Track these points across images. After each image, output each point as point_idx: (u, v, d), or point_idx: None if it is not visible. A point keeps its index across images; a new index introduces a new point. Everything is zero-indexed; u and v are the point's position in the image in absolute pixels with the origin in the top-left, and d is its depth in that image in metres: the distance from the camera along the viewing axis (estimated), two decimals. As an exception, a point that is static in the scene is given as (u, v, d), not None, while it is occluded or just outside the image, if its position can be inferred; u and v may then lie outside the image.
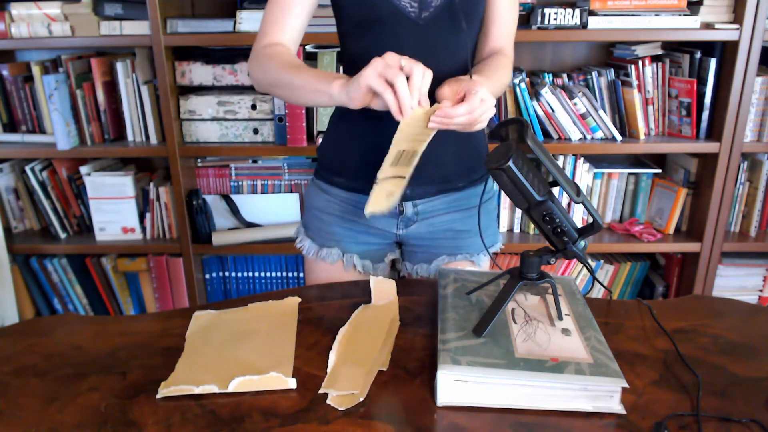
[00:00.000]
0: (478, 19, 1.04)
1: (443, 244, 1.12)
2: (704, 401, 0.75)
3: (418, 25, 0.97)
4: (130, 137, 1.88)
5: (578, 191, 0.80)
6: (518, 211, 1.99)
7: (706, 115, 1.82)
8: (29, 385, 0.78)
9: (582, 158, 1.90)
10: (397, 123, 0.87)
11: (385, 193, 0.93)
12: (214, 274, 2.06)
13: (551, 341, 0.79)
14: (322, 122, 1.84)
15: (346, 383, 0.76)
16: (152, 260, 1.96)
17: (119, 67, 1.81)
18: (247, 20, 1.71)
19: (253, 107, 1.83)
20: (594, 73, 1.83)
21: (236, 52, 1.83)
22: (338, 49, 1.76)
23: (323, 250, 1.13)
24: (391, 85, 0.80)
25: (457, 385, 0.73)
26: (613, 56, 1.94)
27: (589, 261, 1.86)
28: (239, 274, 2.06)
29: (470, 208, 1.12)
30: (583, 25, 1.70)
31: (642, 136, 1.84)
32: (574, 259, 1.01)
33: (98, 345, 0.87)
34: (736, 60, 1.70)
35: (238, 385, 0.75)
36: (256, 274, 2.06)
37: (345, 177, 1.10)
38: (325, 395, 0.75)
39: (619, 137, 1.83)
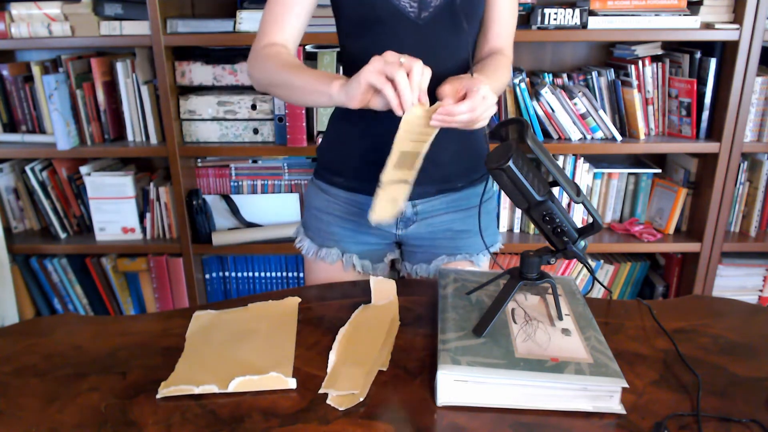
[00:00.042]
0: (478, 20, 1.04)
1: (443, 244, 1.12)
2: (704, 401, 0.75)
3: (417, 25, 0.97)
4: (130, 137, 1.88)
5: (578, 191, 0.80)
6: (518, 211, 1.99)
7: (706, 115, 1.82)
8: (29, 385, 0.78)
9: (582, 158, 1.90)
10: (397, 122, 0.87)
11: (389, 199, 0.92)
12: (214, 274, 2.06)
13: (551, 341, 0.79)
14: (322, 122, 1.84)
15: (346, 383, 0.76)
16: (152, 260, 1.96)
17: (119, 67, 1.81)
18: (247, 20, 1.71)
19: (253, 107, 1.83)
20: (594, 73, 1.84)
21: (236, 52, 1.83)
22: (338, 49, 1.76)
23: (323, 250, 1.13)
24: (392, 81, 0.80)
25: (457, 385, 0.73)
26: (613, 56, 1.94)
27: (589, 261, 1.86)
28: (239, 274, 2.06)
29: (469, 208, 1.12)
30: (583, 25, 1.70)
31: (642, 136, 1.84)
32: (574, 259, 1.01)
33: (98, 345, 0.87)
34: (736, 60, 1.70)
35: (238, 385, 0.75)
36: (256, 274, 2.06)
37: (345, 177, 1.10)
38: (325, 395, 0.75)
39: (619, 137, 1.83)
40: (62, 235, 1.95)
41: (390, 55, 0.82)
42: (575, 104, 1.80)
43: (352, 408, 0.73)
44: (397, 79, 0.80)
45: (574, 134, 1.83)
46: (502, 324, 0.82)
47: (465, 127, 0.88)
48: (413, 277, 1.16)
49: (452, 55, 1.02)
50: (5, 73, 1.86)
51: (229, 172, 1.97)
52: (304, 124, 1.79)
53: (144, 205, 1.93)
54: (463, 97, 0.85)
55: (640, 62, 1.81)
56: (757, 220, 1.94)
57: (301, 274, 2.06)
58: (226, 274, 2.06)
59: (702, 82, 1.79)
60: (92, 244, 1.92)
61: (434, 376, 0.75)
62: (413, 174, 0.91)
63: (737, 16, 1.70)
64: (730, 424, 0.71)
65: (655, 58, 1.84)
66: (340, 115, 1.11)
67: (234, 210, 1.98)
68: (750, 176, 1.93)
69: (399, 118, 0.88)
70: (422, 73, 0.81)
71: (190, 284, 1.96)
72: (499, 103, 1.85)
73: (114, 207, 1.90)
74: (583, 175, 1.92)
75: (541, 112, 1.82)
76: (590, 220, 0.80)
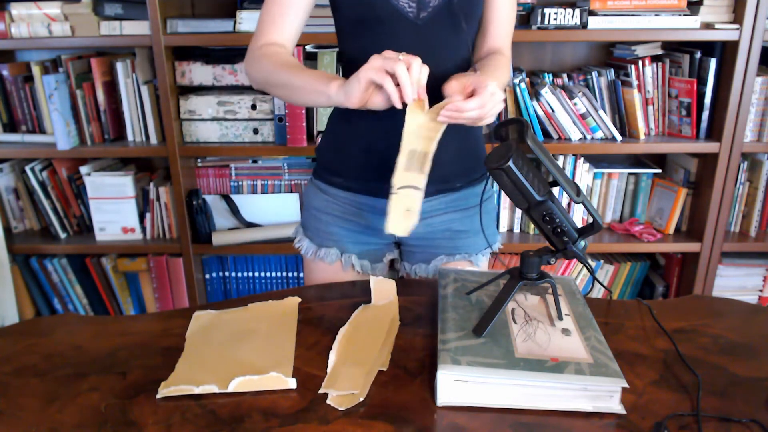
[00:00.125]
0: (477, 19, 1.04)
1: (442, 244, 1.13)
2: (704, 401, 0.75)
3: (416, 25, 0.97)
4: (130, 137, 1.88)
5: (578, 191, 0.80)
6: (518, 211, 1.99)
7: (706, 115, 1.82)
8: (29, 385, 0.78)
9: (582, 158, 1.90)
10: (397, 122, 0.87)
11: (402, 209, 0.91)
12: (214, 274, 2.06)
13: (551, 341, 0.79)
14: (322, 122, 1.84)
15: (346, 383, 0.76)
16: (152, 260, 1.96)
17: (119, 67, 1.81)
18: (247, 20, 1.71)
19: (253, 107, 1.83)
20: (594, 73, 1.83)
21: (236, 52, 1.83)
22: (338, 49, 1.76)
23: (322, 250, 1.13)
24: (391, 76, 0.81)
25: (457, 385, 0.73)
26: (613, 56, 1.94)
27: (589, 261, 1.86)
28: (239, 274, 2.06)
29: (468, 208, 1.12)
30: (583, 25, 1.70)
31: (642, 136, 1.84)
32: (574, 259, 1.01)
33: (98, 345, 0.87)
34: (736, 60, 1.70)
35: (238, 385, 0.75)
36: (256, 274, 2.06)
37: (344, 177, 1.10)
38: (325, 395, 0.75)
39: (619, 137, 1.83)
40: (62, 235, 1.95)
41: (389, 53, 0.83)
42: (575, 104, 1.80)
43: (352, 408, 0.73)
44: (397, 72, 0.80)
45: (574, 134, 1.83)
46: (502, 324, 0.82)
47: (472, 124, 0.89)
48: (412, 277, 1.16)
49: (451, 55, 1.02)
50: (5, 73, 1.86)
51: (229, 172, 1.97)
52: (304, 124, 1.79)
53: (144, 205, 1.93)
54: (471, 94, 0.86)
55: (640, 62, 1.81)
56: (757, 220, 1.94)
57: (301, 274, 2.06)
58: (226, 274, 2.06)
59: (702, 82, 1.79)
60: (92, 244, 1.92)
61: (434, 376, 0.75)
62: (424, 179, 0.90)
63: (737, 16, 1.70)
64: (730, 424, 0.71)
65: (655, 58, 1.84)
66: (339, 115, 1.11)
67: (234, 210, 1.98)
68: (750, 176, 1.93)
69: (399, 118, 0.89)
70: (420, 69, 0.82)
71: (190, 284, 1.96)
72: (499, 103, 1.85)
73: (114, 207, 1.90)
74: (583, 175, 1.92)
75: (541, 112, 1.82)
76: (590, 220, 0.80)
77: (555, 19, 1.70)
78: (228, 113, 1.84)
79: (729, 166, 1.81)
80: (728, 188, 1.83)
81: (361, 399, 0.74)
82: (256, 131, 1.85)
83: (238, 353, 0.83)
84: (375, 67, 0.82)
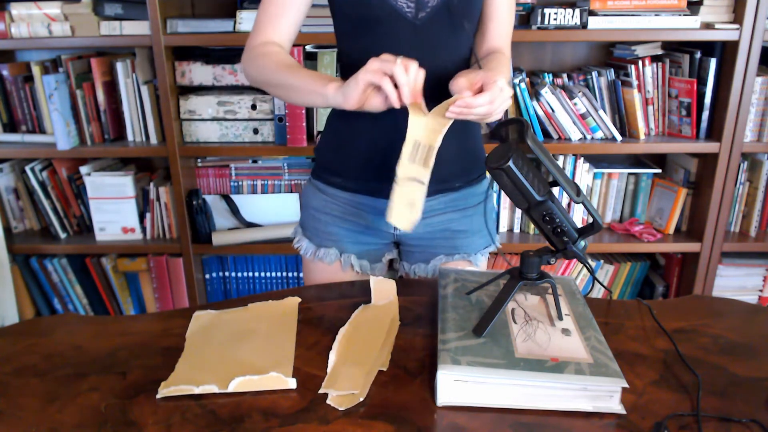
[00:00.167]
0: (476, 19, 1.05)
1: (441, 243, 1.13)
2: (704, 401, 0.75)
3: (414, 25, 0.98)
4: (130, 137, 1.88)
5: (578, 191, 0.80)
6: (518, 211, 1.99)
7: (706, 115, 1.82)
8: (29, 385, 0.78)
9: (582, 158, 1.90)
10: (397, 121, 0.88)
11: (406, 203, 0.92)
12: (214, 274, 2.06)
13: (551, 341, 0.79)
14: (322, 122, 1.84)
15: (346, 383, 0.76)
16: (152, 260, 1.96)
17: (119, 67, 1.81)
18: (247, 20, 1.71)
19: (253, 107, 1.83)
20: (594, 73, 1.83)
21: (236, 52, 1.83)
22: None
23: (321, 250, 1.13)
24: (390, 77, 0.82)
25: (457, 385, 0.73)
26: (613, 56, 1.94)
27: (589, 261, 1.86)
28: (239, 274, 2.06)
29: (467, 208, 1.12)
30: (583, 25, 1.70)
31: (642, 136, 1.84)
32: (574, 259, 1.01)
33: (98, 345, 0.87)
34: (736, 60, 1.70)
35: (238, 385, 0.75)
36: (256, 274, 2.06)
37: (343, 177, 1.10)
38: (325, 395, 0.75)
39: (619, 137, 1.83)
40: (62, 235, 1.95)
41: (386, 56, 0.84)
42: (575, 104, 1.80)
43: (352, 408, 0.73)
44: (395, 74, 0.82)
45: (574, 134, 1.83)
46: (502, 324, 0.82)
47: (480, 120, 0.89)
48: (411, 277, 1.16)
49: (451, 55, 1.02)
50: (5, 73, 1.86)
51: (229, 172, 1.97)
52: (304, 124, 1.79)
53: (144, 205, 1.93)
54: (479, 90, 0.86)
55: (640, 62, 1.81)
56: (757, 220, 1.94)
57: (301, 274, 2.06)
58: (226, 274, 2.06)
59: (702, 82, 1.79)
60: (92, 244, 1.92)
61: (434, 376, 0.75)
62: (427, 173, 0.90)
63: (737, 16, 1.70)
64: (730, 424, 0.71)
65: (655, 58, 1.84)
66: (339, 115, 1.11)
67: (234, 210, 1.98)
68: (750, 176, 1.93)
69: (399, 118, 0.89)
70: (417, 72, 0.83)
71: (190, 284, 1.96)
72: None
73: (114, 207, 1.90)
74: (583, 175, 1.92)
75: (541, 112, 1.82)
76: (590, 220, 0.80)
77: (555, 19, 1.70)
78: (228, 113, 1.84)
79: (729, 166, 1.81)
80: (728, 188, 1.83)
81: (361, 399, 0.74)
82: (256, 131, 1.85)
83: (238, 353, 0.83)
84: (373, 70, 0.83)
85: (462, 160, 1.10)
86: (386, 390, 0.76)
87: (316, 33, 1.67)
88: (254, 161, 1.96)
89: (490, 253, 1.18)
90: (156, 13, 1.66)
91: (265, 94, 1.81)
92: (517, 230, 2.00)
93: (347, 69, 1.05)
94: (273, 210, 2.00)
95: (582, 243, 0.81)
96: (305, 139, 1.81)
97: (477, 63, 1.02)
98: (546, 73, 1.88)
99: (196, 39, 1.72)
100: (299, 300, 0.99)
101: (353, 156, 1.08)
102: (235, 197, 1.98)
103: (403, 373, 0.80)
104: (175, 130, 1.79)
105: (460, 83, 0.88)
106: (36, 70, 1.81)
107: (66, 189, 1.93)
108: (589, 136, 1.84)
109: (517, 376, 0.72)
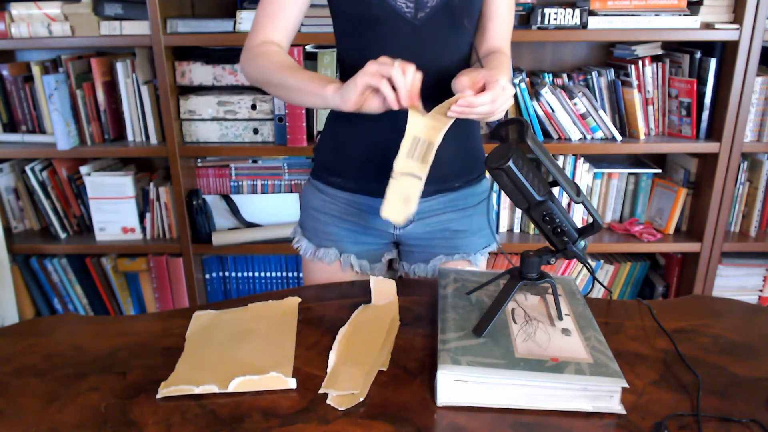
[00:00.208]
0: (475, 19, 1.05)
1: (440, 243, 1.13)
2: (704, 401, 0.75)
3: (414, 25, 0.98)
4: (130, 137, 1.88)
5: (578, 191, 0.80)
6: (518, 211, 1.99)
7: (706, 115, 1.82)
8: (29, 385, 0.78)
9: (582, 158, 1.90)
10: (396, 121, 0.88)
11: (401, 197, 0.91)
12: (214, 274, 2.06)
13: (551, 341, 0.79)
14: (321, 122, 1.84)
15: (346, 383, 0.76)
16: (152, 260, 1.96)
17: (119, 67, 1.81)
18: (247, 20, 1.71)
19: (253, 107, 1.83)
20: (594, 73, 1.84)
21: (236, 52, 1.81)
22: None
23: (320, 250, 1.13)
24: (387, 80, 0.82)
25: (457, 385, 0.73)
26: (613, 56, 1.94)
27: (589, 261, 1.86)
28: (239, 274, 2.06)
29: (467, 207, 1.12)
30: (583, 25, 1.70)
31: (642, 136, 1.84)
32: (574, 259, 1.01)
33: (98, 345, 0.87)
34: (736, 60, 1.70)
35: (238, 385, 0.75)
36: (256, 274, 2.06)
37: (342, 177, 1.10)
38: (325, 395, 0.75)
39: (619, 137, 1.83)
40: (62, 235, 1.95)
41: (384, 59, 0.84)
42: (575, 104, 1.80)
43: (352, 408, 0.73)
44: (393, 76, 0.82)
45: (574, 134, 1.83)
46: (502, 324, 0.82)
47: (482, 119, 0.89)
48: (411, 277, 1.16)
49: (450, 55, 1.02)
50: (5, 73, 1.86)
51: (229, 172, 1.97)
52: (304, 124, 1.79)
53: (144, 205, 1.93)
54: (481, 89, 0.86)
55: (640, 62, 1.81)
56: (757, 220, 1.94)
57: (301, 274, 2.05)
58: (226, 274, 2.06)
59: (702, 82, 1.79)
60: (92, 244, 1.92)
61: (434, 376, 0.75)
62: (425, 170, 0.90)
63: (737, 16, 1.70)
64: (730, 424, 0.71)
65: (655, 58, 1.84)
66: (337, 115, 1.11)
67: (234, 210, 1.98)
68: (750, 176, 1.93)
69: (398, 118, 0.89)
70: (414, 75, 0.84)
71: (190, 284, 1.96)
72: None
73: (114, 207, 1.90)
74: (583, 175, 1.92)
75: (541, 112, 1.82)
76: (590, 220, 0.80)
77: (555, 19, 1.70)
78: (228, 113, 1.84)
79: (729, 166, 1.81)
80: (728, 188, 1.83)
81: (361, 399, 0.74)
82: (256, 131, 1.85)
83: (238, 353, 0.83)
84: (371, 72, 0.83)
85: (461, 160, 1.10)
86: (386, 390, 0.76)
87: (316, 33, 1.67)
88: (254, 161, 1.96)
89: (490, 253, 1.18)
90: (156, 13, 1.66)
91: (265, 94, 1.81)
92: (517, 230, 2.00)
93: (347, 69, 1.05)
94: (273, 210, 2.00)
95: (582, 243, 0.81)
96: (305, 139, 1.81)
97: (478, 60, 1.02)
98: (546, 73, 1.88)
99: (196, 39, 1.72)
100: (299, 300, 0.99)
101: (353, 156, 1.08)
102: (235, 197, 1.98)
103: (403, 373, 0.80)
104: (175, 130, 1.79)
105: (463, 82, 0.88)
106: (36, 70, 1.81)
107: (66, 189, 1.93)
108: (589, 136, 1.84)
109: (517, 376, 0.72)
